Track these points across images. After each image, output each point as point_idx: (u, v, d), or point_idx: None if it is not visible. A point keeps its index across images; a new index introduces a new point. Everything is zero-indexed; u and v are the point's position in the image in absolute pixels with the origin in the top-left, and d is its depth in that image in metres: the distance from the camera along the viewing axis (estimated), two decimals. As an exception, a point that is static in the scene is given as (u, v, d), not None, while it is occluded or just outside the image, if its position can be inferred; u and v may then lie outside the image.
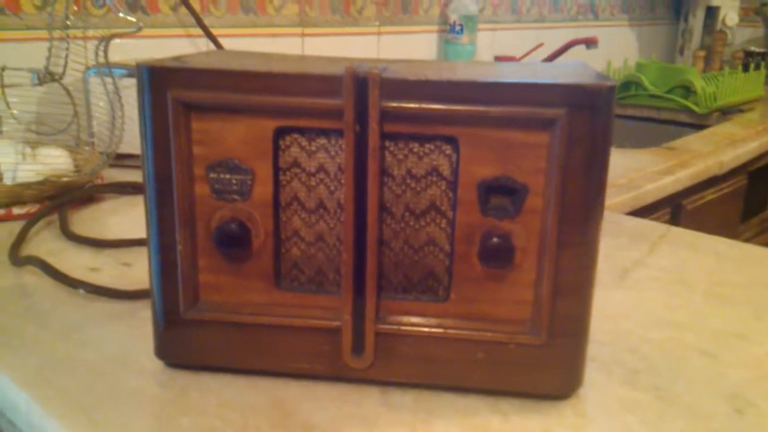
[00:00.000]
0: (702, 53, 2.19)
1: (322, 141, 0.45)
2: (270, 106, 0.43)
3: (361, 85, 0.42)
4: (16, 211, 0.80)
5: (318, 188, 0.46)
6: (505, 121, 0.42)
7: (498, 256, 0.44)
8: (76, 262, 0.69)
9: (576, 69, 0.48)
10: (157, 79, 0.44)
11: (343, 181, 0.45)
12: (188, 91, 0.43)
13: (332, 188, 0.46)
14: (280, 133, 0.45)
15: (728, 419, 0.46)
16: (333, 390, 0.48)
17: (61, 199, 0.81)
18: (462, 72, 0.44)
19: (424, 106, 0.42)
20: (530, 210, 0.44)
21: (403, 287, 0.47)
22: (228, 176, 0.45)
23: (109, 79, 0.89)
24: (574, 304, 0.45)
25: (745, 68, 1.88)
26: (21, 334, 0.54)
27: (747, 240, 1.46)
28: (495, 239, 0.44)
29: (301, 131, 0.45)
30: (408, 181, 0.45)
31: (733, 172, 1.33)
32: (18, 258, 0.67)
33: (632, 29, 2.38)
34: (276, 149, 0.45)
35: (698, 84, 1.65)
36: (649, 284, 0.67)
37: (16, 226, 0.76)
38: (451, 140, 0.43)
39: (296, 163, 0.45)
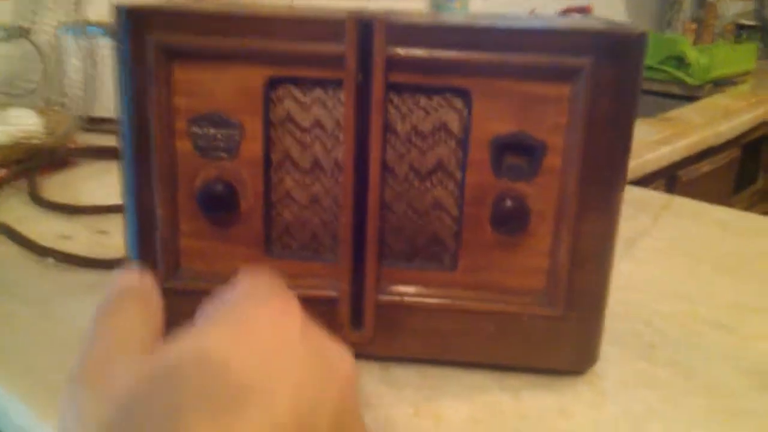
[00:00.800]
0: (693, 26, 2.15)
1: (319, 93, 0.40)
2: (262, 52, 0.39)
3: (365, 28, 0.37)
4: (-17, 175, 0.75)
5: (313, 145, 0.41)
6: (524, 72, 0.38)
7: (512, 220, 0.40)
8: (47, 229, 0.64)
9: (594, 20, 0.44)
10: (136, 21, 0.39)
11: (341, 138, 0.41)
12: (172, 35, 0.39)
13: (329, 146, 0.41)
14: (272, 83, 0.40)
15: (752, 395, 0.43)
16: (329, 366, 0.44)
17: (30, 163, 0.76)
18: (475, 18, 0.40)
19: (434, 53, 0.38)
20: (548, 170, 0.40)
21: (406, 255, 0.43)
22: (213, 131, 0.41)
23: (82, 37, 0.83)
24: (592, 274, 0.41)
25: (739, 40, 1.85)
26: (-14, 306, 0.50)
27: (738, 213, 1.44)
28: (509, 202, 0.40)
29: (296, 82, 0.40)
30: (413, 138, 0.41)
31: (728, 144, 1.30)
32: (-17, 224, 0.62)
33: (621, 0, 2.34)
34: (267, 102, 0.40)
35: (691, 55, 1.62)
36: (656, 255, 0.64)
37: (-17, 192, 0.71)
38: (463, 93, 0.39)
39: (289, 117, 0.41)
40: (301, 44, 0.38)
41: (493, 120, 0.39)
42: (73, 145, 0.86)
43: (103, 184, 0.78)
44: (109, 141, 0.90)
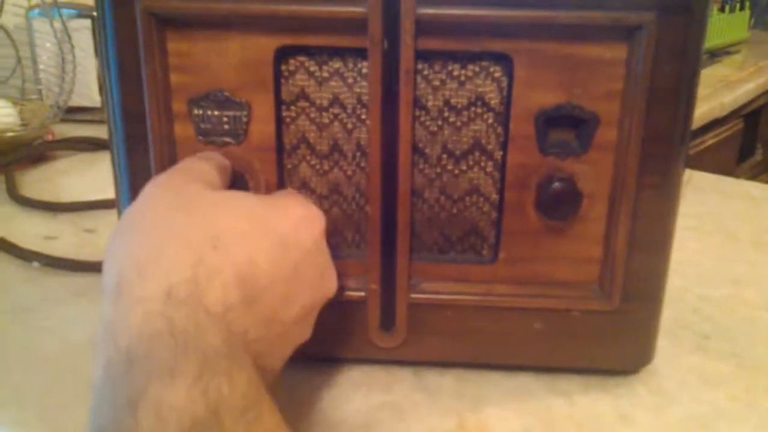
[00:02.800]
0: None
1: (337, 65, 0.35)
2: (269, 17, 0.33)
3: (391, -14, 0.32)
4: (-46, 172, 0.68)
5: (332, 126, 0.36)
6: (574, 32, 0.33)
7: (560, 204, 0.35)
8: (29, 230, 0.58)
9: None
10: (119, -14, 0.33)
11: (363, 116, 0.36)
12: (162, 1, 0.33)
13: (350, 126, 0.36)
14: (282, 55, 0.35)
15: (829, 390, 0.39)
16: (357, 374, 0.39)
17: (7, 158, 0.70)
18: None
19: (471, 12, 0.32)
20: (601, 145, 0.35)
21: (440, 247, 0.38)
22: (217, 113, 0.35)
23: (56, 19, 0.77)
24: (651, 261, 0.37)
25: (727, 9, 1.81)
26: (-38, 319, 0.44)
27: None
28: (556, 184, 0.35)
29: (310, 52, 0.35)
30: (446, 114, 0.36)
31: (730, 116, 1.27)
32: (-44, 227, 0.56)
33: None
34: (278, 77, 0.35)
35: (686, 25, 1.57)
36: (688, 234, 0.60)
37: (-46, 191, 0.65)
38: (502, 58, 0.34)
39: (303, 94, 0.36)
40: (315, 6, 0.33)
41: (538, 89, 0.34)
42: (50, 137, 0.80)
43: (84, 177, 0.72)
44: (88, 131, 0.84)
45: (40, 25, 0.83)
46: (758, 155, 1.60)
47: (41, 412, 0.36)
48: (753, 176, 1.55)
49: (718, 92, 1.23)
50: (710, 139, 1.20)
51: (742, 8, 1.84)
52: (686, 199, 0.68)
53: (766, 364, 0.41)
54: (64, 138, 0.80)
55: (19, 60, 0.84)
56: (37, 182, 0.70)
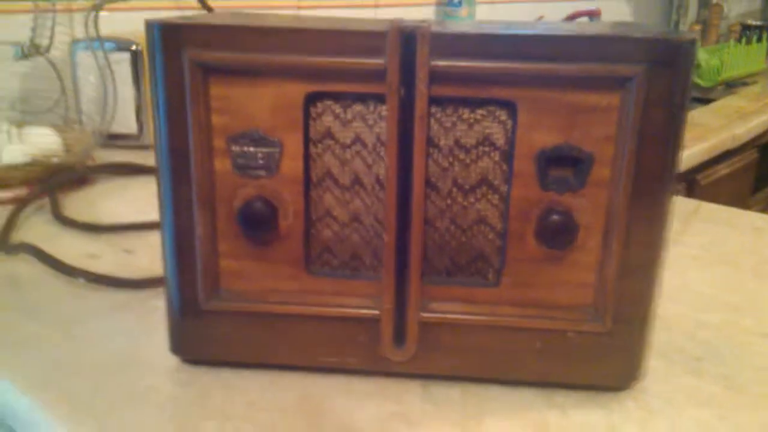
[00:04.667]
0: (698, 27, 2.14)
1: (359, 108, 0.40)
2: (300, 67, 0.38)
3: (408, 41, 0.37)
4: (4, 195, 0.74)
5: (354, 162, 0.41)
6: (572, 82, 0.37)
7: (558, 234, 0.39)
8: (72, 248, 0.63)
9: (628, 26, 0.43)
10: (171, 39, 0.38)
11: (382, 153, 0.40)
12: (207, 52, 0.38)
13: (370, 162, 0.40)
14: (311, 99, 0.39)
15: (809, 410, 0.42)
16: (369, 385, 0.43)
17: (51, 182, 0.75)
18: (516, 27, 0.39)
19: (480, 64, 0.37)
20: (596, 182, 0.39)
21: (449, 271, 0.42)
22: (252, 149, 0.40)
23: (99, 53, 0.83)
24: (641, 287, 0.40)
25: (743, 41, 1.84)
26: (18, 331, 0.49)
27: (756, 216, 1.43)
28: (555, 216, 0.39)
29: (335, 97, 0.39)
30: (456, 152, 0.40)
31: (745, 146, 1.29)
32: (8, 246, 0.61)
33: (627, 3, 2.33)
34: (306, 118, 0.40)
35: (702, 57, 1.61)
36: (691, 263, 0.63)
37: (5, 212, 0.70)
38: (507, 104, 0.38)
39: (329, 133, 0.40)
40: (341, 58, 0.37)
41: (539, 132, 0.38)
42: (91, 162, 0.85)
43: (123, 200, 0.77)
44: (126, 157, 0.89)
45: (83, 58, 0.89)
46: (775, 185, 1.62)
47: (90, 412, 0.40)
48: (767, 206, 1.57)
49: (732, 123, 1.25)
50: (723, 170, 1.23)
51: (759, 40, 1.87)
52: (692, 228, 0.71)
53: (754, 386, 0.44)
54: (103, 163, 0.85)
55: (63, 90, 0.90)
56: (78, 204, 0.75)
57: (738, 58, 1.72)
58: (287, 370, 0.44)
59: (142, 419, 0.39)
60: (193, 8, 1.13)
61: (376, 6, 1.48)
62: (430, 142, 0.39)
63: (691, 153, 1.08)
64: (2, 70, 0.89)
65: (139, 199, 0.77)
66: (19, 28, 0.89)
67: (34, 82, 0.93)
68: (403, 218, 0.40)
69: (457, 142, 0.40)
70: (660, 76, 0.36)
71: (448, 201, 0.41)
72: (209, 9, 1.10)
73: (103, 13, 1.00)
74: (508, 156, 0.39)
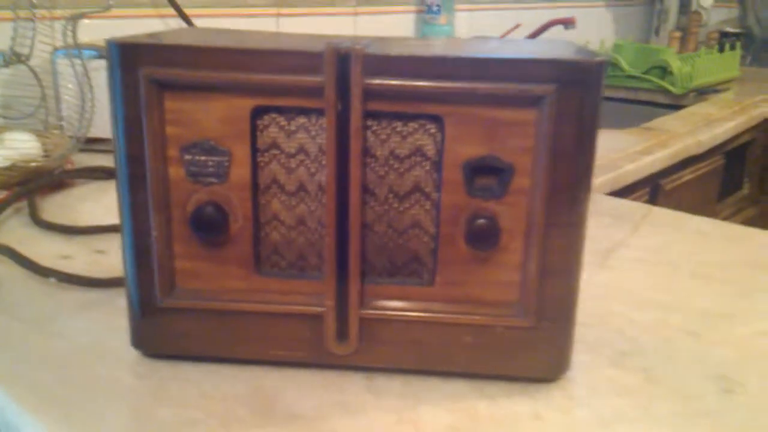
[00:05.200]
0: (677, 34, 2.19)
1: (302, 120, 0.43)
2: (247, 84, 0.41)
3: (343, 61, 0.40)
4: (-17, 198, 0.77)
5: (298, 170, 0.44)
6: (492, 99, 0.41)
7: (484, 237, 0.43)
8: (47, 250, 0.66)
9: (561, 46, 0.47)
10: (128, 57, 0.42)
11: (324, 162, 0.43)
12: (162, 69, 0.41)
13: (313, 170, 0.44)
14: (257, 112, 0.43)
15: (717, 399, 0.45)
16: (317, 377, 0.46)
17: (29, 185, 0.78)
18: (447, 48, 0.43)
19: (408, 83, 0.40)
20: (517, 190, 0.42)
21: (388, 271, 0.45)
22: (204, 158, 0.43)
23: (78, 61, 0.86)
24: (561, 286, 0.44)
25: (721, 49, 1.89)
26: (-10, 325, 0.52)
27: (724, 219, 1.47)
28: (481, 220, 0.43)
29: (280, 110, 0.43)
30: (391, 161, 0.43)
31: (711, 152, 1.33)
32: (-15, 246, 0.64)
33: (608, 10, 2.38)
34: (254, 129, 0.43)
35: (674, 64, 1.65)
36: (634, 265, 0.67)
37: (-17, 214, 0.73)
38: (436, 119, 0.42)
39: (275, 144, 0.44)
40: (283, 76, 0.41)
41: (465, 144, 0.42)
42: (70, 166, 0.88)
43: (99, 204, 0.80)
44: (104, 161, 0.93)
45: (63, 66, 0.92)
46: (745, 189, 1.66)
47: (56, 402, 0.43)
48: (739, 210, 1.61)
49: (697, 130, 1.30)
50: (688, 175, 1.27)
51: (732, 48, 1.91)
52: (640, 232, 0.75)
53: (671, 378, 0.48)
54: (81, 167, 0.88)
55: (43, 97, 0.93)
56: (56, 207, 0.78)
57: (711, 66, 1.76)
58: (242, 364, 0.47)
59: (103, 408, 0.43)
60: (174, 17, 1.17)
61: (356, 14, 1.52)
62: (368, 153, 0.43)
63: (655, 158, 1.12)
64: (-16, 77, 0.92)
65: (114, 203, 0.80)
66: (1, 36, 0.92)
67: (16, 88, 0.96)
68: (342, 222, 0.43)
69: (392, 152, 0.43)
70: (570, 95, 0.40)
71: (385, 206, 0.44)
72: (189, 22, 1.13)
73: (87, 22, 1.03)
74: (438, 165, 0.43)
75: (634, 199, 1.08)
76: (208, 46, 0.41)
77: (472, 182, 0.43)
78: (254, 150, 0.43)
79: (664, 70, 1.67)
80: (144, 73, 0.41)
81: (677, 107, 1.60)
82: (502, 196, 0.43)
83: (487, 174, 0.42)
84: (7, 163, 0.79)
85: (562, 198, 0.42)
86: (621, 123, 1.61)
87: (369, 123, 0.43)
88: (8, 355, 0.48)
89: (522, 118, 0.41)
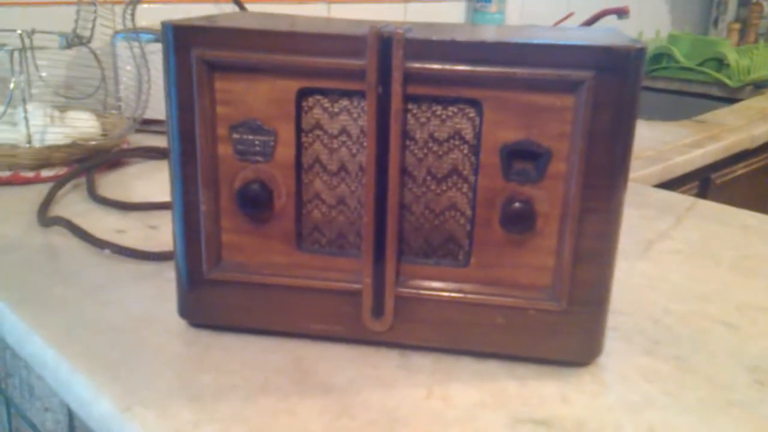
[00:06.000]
0: (737, 26, 2.13)
1: (345, 102, 0.45)
2: (292, 66, 0.43)
3: (384, 45, 0.41)
4: (45, 173, 0.81)
5: (340, 150, 0.46)
6: (530, 84, 0.41)
7: (519, 221, 0.44)
8: (103, 223, 0.70)
9: (607, 33, 0.47)
10: (181, 38, 0.44)
11: (365, 144, 0.45)
12: (212, 51, 0.43)
13: (354, 151, 0.45)
14: (302, 94, 0.45)
15: (748, 390, 0.45)
16: (353, 352, 0.48)
17: (88, 163, 0.82)
18: (488, 34, 0.44)
19: (447, 67, 0.41)
20: (553, 175, 0.43)
21: (424, 252, 0.47)
22: (251, 137, 0.45)
23: (135, 44, 0.89)
24: (595, 272, 0.44)
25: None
26: (49, 293, 0.55)
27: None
28: (517, 204, 0.44)
29: (324, 92, 0.45)
30: (430, 144, 0.45)
31: (765, 147, 1.30)
32: (46, 219, 0.68)
33: (666, 0, 2.32)
34: (299, 110, 0.45)
35: (731, 57, 1.61)
36: (674, 256, 0.66)
37: (45, 189, 0.77)
38: (475, 103, 0.43)
39: (318, 124, 0.45)
40: (327, 59, 0.42)
41: (503, 128, 0.43)
42: (126, 146, 0.92)
43: (153, 181, 0.84)
44: (159, 141, 0.96)
45: (123, 49, 0.96)
46: (802, 187, 1.61)
47: (107, 364, 0.46)
48: (793, 207, 1.56)
49: (752, 124, 1.27)
50: (740, 170, 1.24)
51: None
52: (683, 224, 0.75)
53: (703, 368, 0.48)
54: (137, 147, 0.92)
55: (103, 78, 0.97)
56: (113, 184, 0.82)
57: (770, 59, 1.71)
58: (281, 336, 0.49)
59: (150, 371, 0.45)
60: (229, 2, 1.19)
61: (406, 2, 1.53)
62: (407, 135, 0.44)
63: (705, 151, 1.10)
64: (49, 57, 0.96)
65: (167, 181, 0.83)
66: (65, 19, 0.96)
67: (78, 70, 1.01)
68: (381, 202, 0.44)
69: (431, 135, 0.44)
70: (608, 81, 0.40)
71: (423, 188, 0.45)
72: (243, 7, 1.16)
73: (145, 6, 1.07)
74: (476, 149, 0.44)
75: (683, 192, 1.07)
76: (256, 29, 0.43)
77: (510, 166, 0.44)
78: (299, 130, 0.45)
79: (721, 63, 1.63)
80: (196, 54, 0.43)
81: (733, 101, 1.56)
82: (538, 181, 0.43)
83: (524, 158, 0.43)
84: (68, 141, 0.83)
85: (599, 184, 0.42)
86: (673, 116, 1.58)
87: (409, 106, 0.44)
88: (64, 321, 0.51)
89: (560, 104, 0.42)
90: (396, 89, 0.42)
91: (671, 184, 1.04)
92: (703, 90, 1.66)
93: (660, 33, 1.87)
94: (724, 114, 1.34)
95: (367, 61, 0.42)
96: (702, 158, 1.08)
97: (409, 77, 0.42)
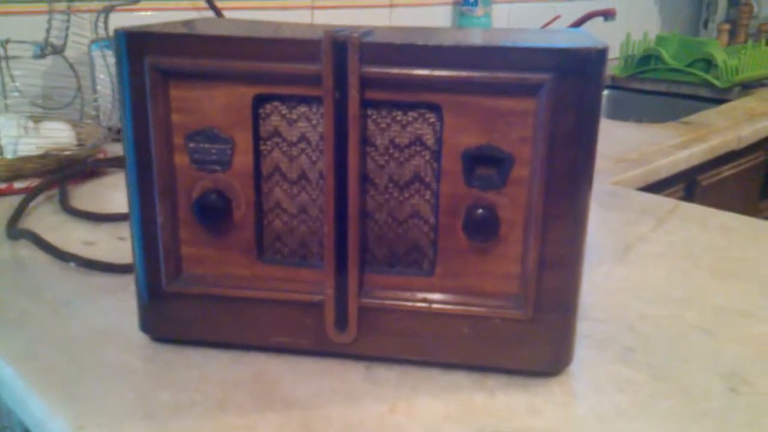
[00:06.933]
0: (727, 26, 2.12)
1: (303, 109, 0.43)
2: (248, 72, 0.42)
3: (340, 49, 0.40)
4: (18, 185, 0.80)
5: (300, 158, 0.44)
6: (490, 88, 0.40)
7: (483, 228, 0.43)
8: (73, 235, 0.68)
9: (573, 35, 0.46)
10: (134, 45, 0.42)
11: (324, 150, 0.44)
12: (166, 58, 0.42)
13: (314, 158, 0.44)
14: (259, 100, 0.43)
15: (721, 398, 0.44)
16: (316, 364, 0.47)
17: (61, 174, 0.81)
18: (448, 37, 0.43)
19: (405, 71, 0.40)
20: (516, 181, 0.42)
21: (388, 261, 0.46)
22: (207, 145, 0.44)
23: (109, 52, 0.88)
24: (561, 278, 0.43)
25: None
26: (12, 308, 0.54)
27: (767, 218, 1.43)
28: (480, 211, 0.42)
29: (282, 99, 0.43)
30: (391, 150, 0.43)
31: (752, 148, 1.29)
32: (13, 231, 0.67)
33: (655, 1, 2.32)
34: (256, 117, 0.44)
35: (719, 57, 1.60)
36: (653, 260, 0.65)
37: (17, 201, 0.76)
38: (435, 108, 0.42)
39: (277, 132, 0.44)
40: (282, 64, 0.41)
41: (464, 133, 0.42)
42: (102, 156, 0.91)
43: (128, 192, 0.82)
44: (136, 151, 0.95)
45: (98, 57, 0.95)
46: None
47: (63, 381, 0.45)
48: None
49: (738, 125, 1.26)
50: (727, 171, 1.23)
51: (783, 40, 1.84)
52: (664, 227, 0.73)
53: (677, 375, 0.46)
54: (114, 156, 0.90)
55: (79, 87, 0.96)
56: (87, 195, 0.81)
57: (758, 59, 1.70)
58: (244, 349, 0.48)
59: (107, 389, 0.44)
60: (207, 9, 1.18)
61: (391, 6, 1.52)
62: (368, 142, 0.43)
63: (690, 153, 1.09)
64: (25, 68, 0.95)
65: (141, 191, 0.82)
66: (41, 28, 0.95)
67: (55, 79, 0.99)
68: (342, 211, 0.43)
69: (392, 141, 0.43)
70: (569, 84, 0.39)
71: (386, 196, 0.44)
72: (219, 14, 1.15)
73: (120, 14, 1.06)
74: (437, 155, 0.43)
75: (669, 195, 1.06)
76: (209, 35, 0.42)
77: (472, 172, 0.42)
78: (256, 138, 0.44)
79: (709, 64, 1.62)
80: (150, 61, 0.42)
81: (721, 101, 1.55)
82: (501, 187, 0.42)
83: (487, 164, 0.42)
84: (40, 151, 0.81)
85: (562, 189, 0.41)
86: (661, 117, 1.57)
87: (369, 112, 0.43)
88: (24, 336, 0.50)
89: (521, 108, 0.40)
90: (353, 94, 0.41)
91: (657, 187, 1.03)
92: (692, 91, 1.65)
93: (648, 34, 1.87)
94: (710, 115, 1.33)
95: (322, 66, 0.41)
96: (688, 160, 1.07)
97: (366, 82, 0.41)
